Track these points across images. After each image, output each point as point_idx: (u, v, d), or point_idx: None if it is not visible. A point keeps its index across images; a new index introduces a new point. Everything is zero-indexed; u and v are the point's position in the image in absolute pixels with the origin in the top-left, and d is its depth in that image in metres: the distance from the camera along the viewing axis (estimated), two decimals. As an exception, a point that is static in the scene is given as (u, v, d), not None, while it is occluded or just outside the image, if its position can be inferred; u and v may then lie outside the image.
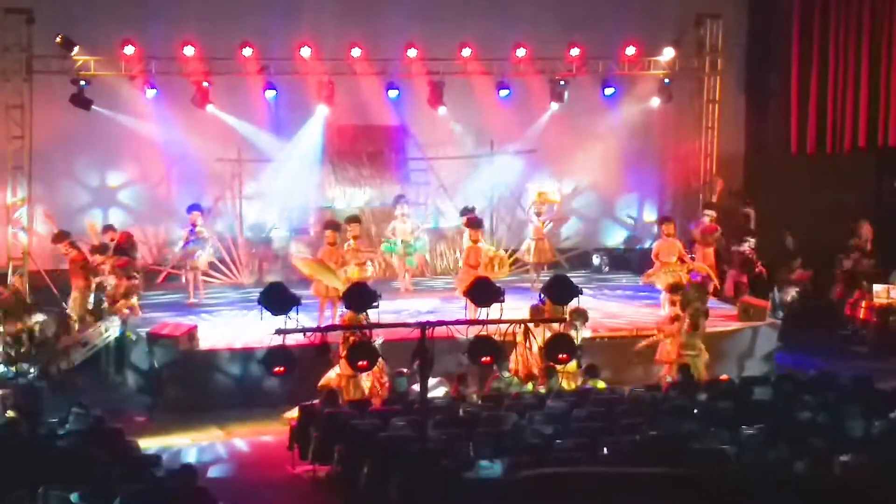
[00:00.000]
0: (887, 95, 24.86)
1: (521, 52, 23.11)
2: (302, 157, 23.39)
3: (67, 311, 19.96)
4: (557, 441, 14.07)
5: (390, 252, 22.21)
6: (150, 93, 21.94)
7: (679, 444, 13.85)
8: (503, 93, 23.34)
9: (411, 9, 23.29)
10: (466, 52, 22.89)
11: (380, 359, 14.83)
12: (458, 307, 18.74)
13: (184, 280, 21.79)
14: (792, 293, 22.91)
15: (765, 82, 26.30)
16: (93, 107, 21.53)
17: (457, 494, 12.91)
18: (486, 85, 23.56)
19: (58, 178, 23.02)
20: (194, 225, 21.41)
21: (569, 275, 17.96)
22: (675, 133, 25.53)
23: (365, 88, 23.33)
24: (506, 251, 22.97)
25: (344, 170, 23.85)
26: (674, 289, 18.97)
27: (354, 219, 21.18)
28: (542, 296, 14.64)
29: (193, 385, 18.52)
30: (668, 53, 24.09)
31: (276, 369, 13.48)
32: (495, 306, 13.85)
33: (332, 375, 17.10)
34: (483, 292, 14.02)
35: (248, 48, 21.92)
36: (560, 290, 14.22)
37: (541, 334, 16.07)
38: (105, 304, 19.81)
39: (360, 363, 13.67)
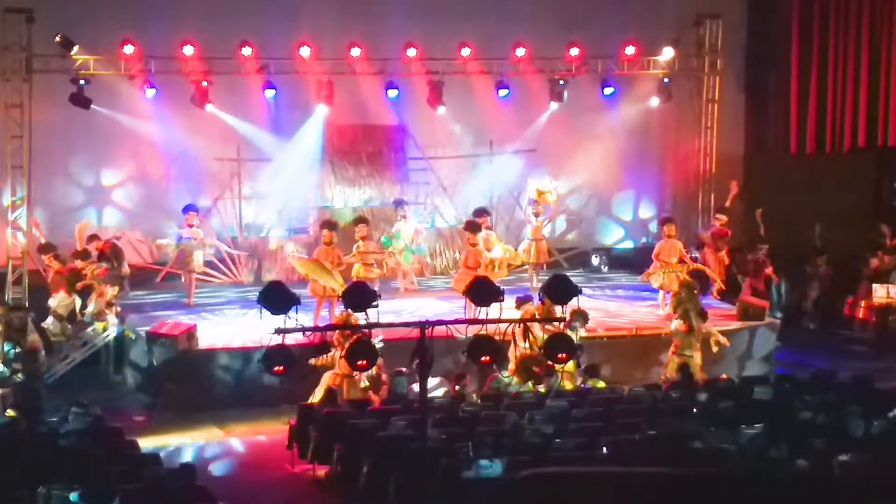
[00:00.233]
0: (887, 95, 24.84)
1: (520, 52, 23.12)
2: (301, 157, 23.38)
3: (47, 324, 19.77)
4: (557, 440, 14.08)
5: (387, 245, 22.07)
6: (150, 92, 21.93)
7: (679, 444, 13.87)
8: (502, 92, 23.34)
9: (411, 8, 23.29)
10: (466, 51, 22.89)
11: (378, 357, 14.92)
12: (458, 306, 18.81)
13: (183, 280, 21.74)
14: (815, 291, 22.92)
15: (764, 82, 26.31)
16: (92, 106, 21.52)
17: (456, 494, 12.92)
18: (486, 84, 23.56)
19: (57, 177, 23.00)
20: (191, 225, 21.35)
21: (568, 274, 17.96)
22: (675, 133, 25.55)
23: (364, 88, 23.33)
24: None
25: (343, 169, 23.84)
26: (701, 290, 19.06)
27: (362, 219, 21.15)
28: (542, 295, 14.61)
29: (193, 384, 18.51)
30: (668, 53, 24.10)
31: (276, 369, 13.46)
32: (494, 306, 13.83)
33: (329, 375, 17.10)
34: (482, 292, 14.01)
35: (247, 47, 21.92)
36: (559, 290, 14.19)
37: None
38: (90, 310, 19.73)
39: (359, 363, 13.65)
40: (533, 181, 23.29)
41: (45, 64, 21.39)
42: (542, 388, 16.93)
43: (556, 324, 15.63)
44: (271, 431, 17.14)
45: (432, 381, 16.60)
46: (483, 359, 13.75)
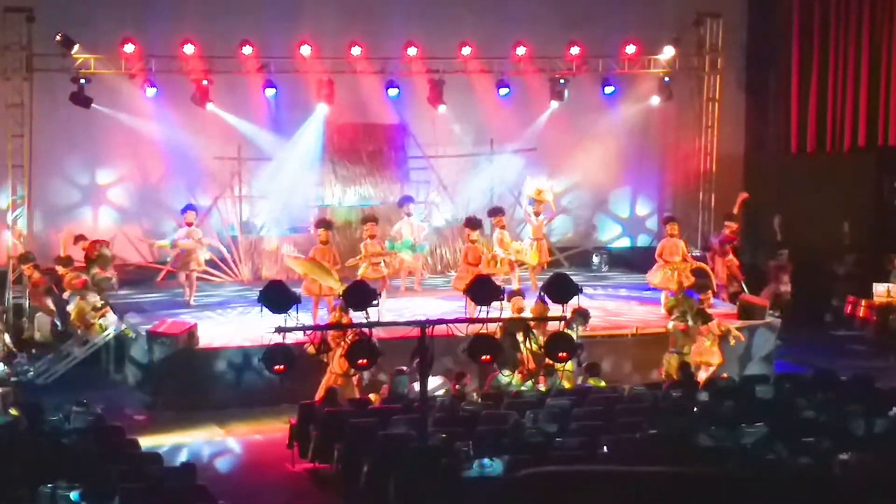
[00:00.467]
0: (887, 95, 24.83)
1: (521, 51, 23.13)
2: (302, 156, 23.38)
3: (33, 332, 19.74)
4: (557, 440, 14.08)
5: (392, 250, 22.06)
6: (150, 91, 21.93)
7: (679, 443, 13.87)
8: (503, 91, 23.34)
9: (411, 7, 23.30)
10: (466, 50, 22.90)
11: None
12: (459, 306, 18.78)
13: (184, 278, 21.67)
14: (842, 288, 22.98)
15: (765, 81, 26.30)
16: (93, 105, 21.52)
17: (457, 493, 12.92)
18: (486, 83, 23.57)
19: (57, 176, 22.99)
20: (189, 224, 21.32)
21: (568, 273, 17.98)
22: (675, 132, 25.56)
23: (365, 87, 23.34)
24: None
25: (344, 168, 23.82)
26: (701, 287, 19.03)
27: (371, 218, 21.07)
28: (542, 294, 14.61)
29: (193, 383, 18.50)
30: (669, 52, 24.11)
31: (277, 367, 13.46)
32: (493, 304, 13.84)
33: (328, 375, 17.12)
34: (483, 291, 14.01)
35: (248, 46, 21.93)
36: (560, 289, 14.19)
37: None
38: (72, 319, 19.73)
39: (360, 361, 13.65)
40: (531, 180, 23.28)
41: (45, 63, 21.40)
42: (542, 388, 16.95)
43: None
44: (272, 430, 17.13)
45: (434, 381, 16.59)
46: (483, 358, 13.77)
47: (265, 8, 22.93)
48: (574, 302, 14.31)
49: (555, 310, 14.53)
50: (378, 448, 14.08)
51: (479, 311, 14.22)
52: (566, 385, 17.13)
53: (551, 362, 16.41)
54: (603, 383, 17.25)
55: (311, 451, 15.38)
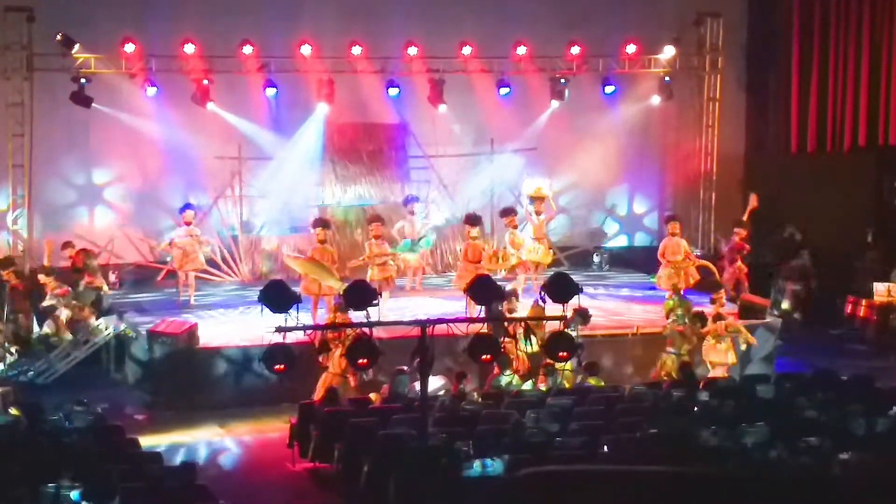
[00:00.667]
0: (887, 94, 24.83)
1: (521, 51, 23.14)
2: (302, 156, 23.39)
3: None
4: (558, 439, 14.08)
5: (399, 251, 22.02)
6: (151, 90, 21.94)
7: (679, 443, 13.87)
8: (503, 91, 23.35)
9: (412, 7, 23.31)
10: (467, 50, 22.91)
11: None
12: (460, 306, 18.79)
13: (184, 278, 21.64)
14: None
15: (765, 81, 26.30)
16: (93, 104, 21.53)
17: (457, 492, 12.91)
18: (487, 83, 23.58)
19: (57, 175, 23.00)
20: (188, 223, 21.30)
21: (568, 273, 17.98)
22: (676, 132, 25.58)
23: (365, 86, 23.35)
24: (504, 249, 23.02)
25: (344, 168, 23.83)
26: (714, 287, 19.02)
27: (377, 218, 21.05)
28: (543, 294, 14.59)
29: (193, 382, 18.51)
30: (669, 52, 24.12)
31: (277, 367, 13.46)
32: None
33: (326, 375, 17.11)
34: (483, 290, 14.00)
35: (248, 46, 21.95)
36: (560, 289, 14.19)
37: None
38: (44, 331, 19.70)
39: (360, 361, 13.64)
40: (531, 180, 23.28)
41: (46, 63, 21.42)
42: (542, 387, 16.94)
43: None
44: (272, 430, 17.13)
45: (435, 381, 16.59)
46: (483, 358, 13.77)
47: (265, 8, 22.94)
48: (574, 302, 14.33)
49: (555, 310, 14.48)
50: (378, 448, 14.08)
51: (480, 311, 14.24)
52: (566, 385, 17.14)
53: (551, 362, 16.41)
54: (602, 383, 17.26)
55: (312, 451, 15.37)
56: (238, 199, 23.54)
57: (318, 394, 16.85)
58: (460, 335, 15.50)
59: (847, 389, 16.38)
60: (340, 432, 14.83)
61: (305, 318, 17.61)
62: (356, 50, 22.57)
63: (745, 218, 22.99)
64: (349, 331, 16.00)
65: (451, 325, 13.53)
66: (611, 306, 21.50)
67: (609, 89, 23.88)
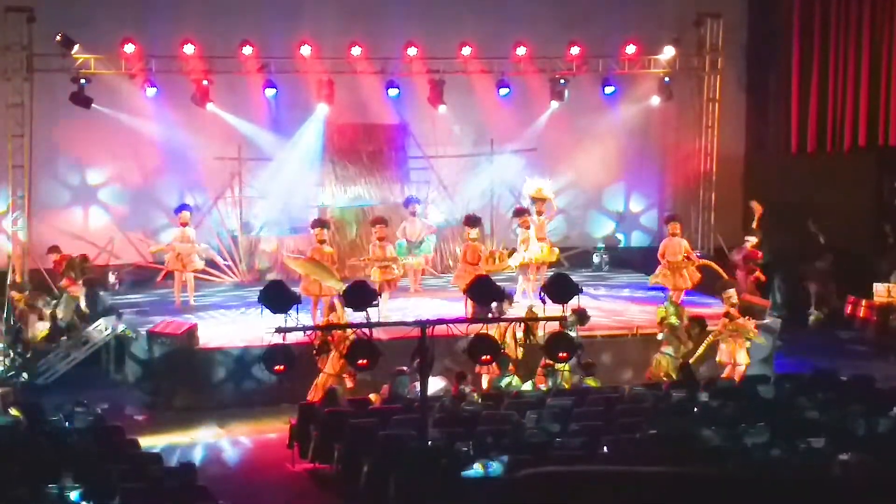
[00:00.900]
0: (887, 94, 24.82)
1: (521, 51, 23.13)
2: (302, 156, 23.38)
3: None
4: (558, 440, 14.08)
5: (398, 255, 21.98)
6: (151, 91, 21.93)
7: (679, 443, 13.87)
8: (503, 91, 23.35)
9: (411, 7, 23.31)
10: (466, 50, 22.91)
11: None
12: (459, 306, 18.78)
13: (184, 278, 21.59)
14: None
15: (765, 81, 26.30)
16: (93, 105, 21.51)
17: (457, 493, 12.91)
18: (487, 83, 23.57)
19: (57, 176, 22.99)
20: (184, 225, 21.26)
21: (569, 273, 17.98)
22: (676, 132, 25.57)
23: (365, 87, 23.34)
24: (505, 249, 23.03)
25: (344, 168, 23.81)
26: (724, 287, 18.99)
27: (381, 220, 21.01)
28: (543, 294, 14.59)
29: (193, 383, 18.52)
30: (669, 52, 24.11)
31: (277, 367, 13.47)
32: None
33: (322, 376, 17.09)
34: (483, 291, 14.01)
35: (248, 46, 21.94)
36: (560, 289, 14.20)
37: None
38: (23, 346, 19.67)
39: (360, 361, 13.64)
40: (531, 180, 23.27)
41: (45, 63, 21.41)
42: (543, 388, 16.95)
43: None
44: (272, 430, 17.14)
45: (437, 383, 16.59)
46: (483, 358, 13.78)
47: (265, 8, 22.94)
48: (574, 302, 14.33)
49: (555, 310, 14.48)
50: (378, 448, 14.08)
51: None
52: (565, 386, 17.13)
53: (552, 362, 16.41)
54: (598, 383, 17.24)
55: (312, 452, 15.37)
56: (238, 200, 23.52)
57: (313, 395, 16.85)
58: (460, 335, 15.54)
59: (847, 390, 16.38)
60: (340, 433, 14.83)
61: (305, 318, 17.61)
62: (356, 50, 22.56)
63: (754, 225, 22.97)
64: (344, 334, 16.07)
65: (450, 325, 13.54)
66: (611, 307, 21.50)
67: (609, 90, 23.88)
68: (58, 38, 21.07)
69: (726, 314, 18.39)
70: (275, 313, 13.36)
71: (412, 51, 22.79)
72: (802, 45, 25.69)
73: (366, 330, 13.68)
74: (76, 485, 12.07)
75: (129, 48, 21.61)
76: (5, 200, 21.87)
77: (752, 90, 26.40)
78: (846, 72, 25.26)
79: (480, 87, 23.76)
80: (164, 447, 16.00)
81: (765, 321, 20.28)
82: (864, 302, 22.53)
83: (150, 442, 15.87)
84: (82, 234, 22.92)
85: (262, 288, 13.97)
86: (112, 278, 22.45)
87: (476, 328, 14.07)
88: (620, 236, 26.24)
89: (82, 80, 21.36)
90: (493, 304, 16.40)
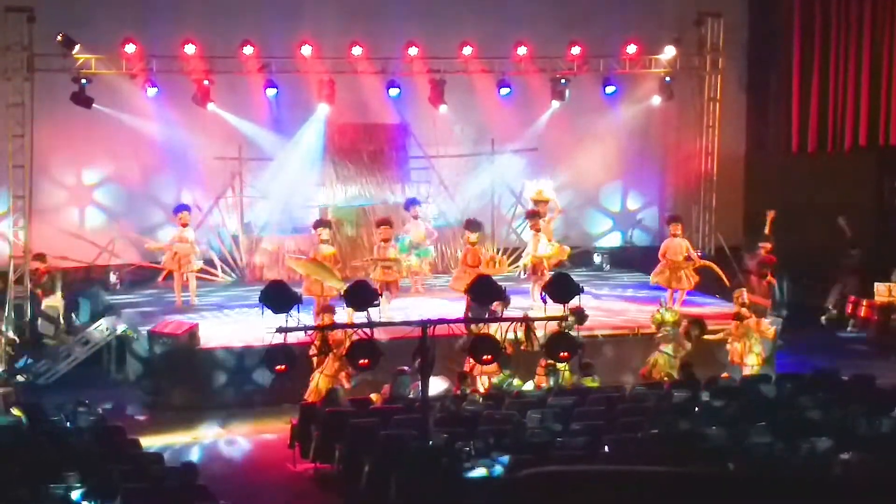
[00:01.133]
0: (888, 94, 24.84)
1: (521, 51, 23.12)
2: (303, 156, 23.37)
3: None
4: (559, 439, 14.08)
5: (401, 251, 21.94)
6: (151, 91, 21.92)
7: (680, 443, 13.87)
8: (504, 91, 23.34)
9: (412, 7, 23.31)
10: (467, 50, 22.90)
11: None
12: (460, 306, 18.77)
13: (185, 277, 21.57)
14: None
15: (766, 81, 26.30)
16: (94, 105, 21.50)
17: (458, 493, 12.91)
18: (487, 83, 23.56)
19: (58, 176, 22.99)
20: (184, 225, 21.25)
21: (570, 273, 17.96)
22: (676, 132, 25.58)
23: (366, 87, 23.34)
24: (505, 251, 23.04)
25: (345, 168, 23.80)
26: (739, 286, 18.97)
27: (386, 221, 20.99)
28: (544, 294, 14.58)
29: (194, 383, 18.53)
30: (669, 52, 24.11)
31: (278, 367, 13.47)
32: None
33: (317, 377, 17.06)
34: (484, 291, 14.00)
35: (248, 46, 21.93)
36: (561, 289, 14.20)
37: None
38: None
39: (360, 361, 13.64)
40: (531, 182, 23.29)
41: (46, 63, 21.39)
42: (545, 386, 16.94)
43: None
44: (273, 430, 17.14)
45: (439, 384, 16.59)
46: (484, 358, 13.77)
47: (266, 8, 22.94)
48: (573, 301, 14.33)
49: (555, 310, 14.48)
50: (379, 448, 14.08)
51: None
52: (565, 385, 17.13)
53: (552, 362, 16.40)
54: (598, 383, 17.22)
55: (313, 451, 15.37)
56: (239, 200, 23.53)
57: (310, 395, 16.86)
58: (461, 335, 15.54)
59: (848, 389, 16.38)
60: (341, 433, 14.83)
61: (306, 318, 17.59)
62: (357, 50, 22.56)
63: (767, 231, 22.99)
64: (338, 338, 16.10)
65: (451, 325, 13.54)
66: (612, 306, 21.51)
67: (610, 89, 23.86)
68: (59, 38, 21.06)
69: (736, 315, 18.33)
70: (276, 313, 13.36)
71: (413, 50, 22.79)
72: (803, 45, 25.69)
73: (366, 329, 13.67)
74: (76, 485, 12.08)
75: (130, 48, 21.61)
76: (6, 201, 21.86)
77: (753, 90, 26.41)
78: (847, 71, 25.27)
79: (481, 87, 23.75)
80: (166, 447, 16.01)
81: (766, 321, 20.29)
82: (864, 301, 22.54)
83: (152, 442, 15.88)
84: (83, 233, 22.92)
85: (262, 288, 13.95)
86: (113, 278, 22.46)
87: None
88: (618, 234, 26.22)
89: (83, 80, 21.34)
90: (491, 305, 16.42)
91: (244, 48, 21.93)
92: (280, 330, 13.12)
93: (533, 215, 21.48)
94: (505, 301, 16.90)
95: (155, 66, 21.87)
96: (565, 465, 11.78)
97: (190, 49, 21.69)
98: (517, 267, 22.64)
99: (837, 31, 25.36)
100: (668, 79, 24.30)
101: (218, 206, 23.49)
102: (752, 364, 18.03)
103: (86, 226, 23.07)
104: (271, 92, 22.44)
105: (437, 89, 23.05)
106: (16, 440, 13.93)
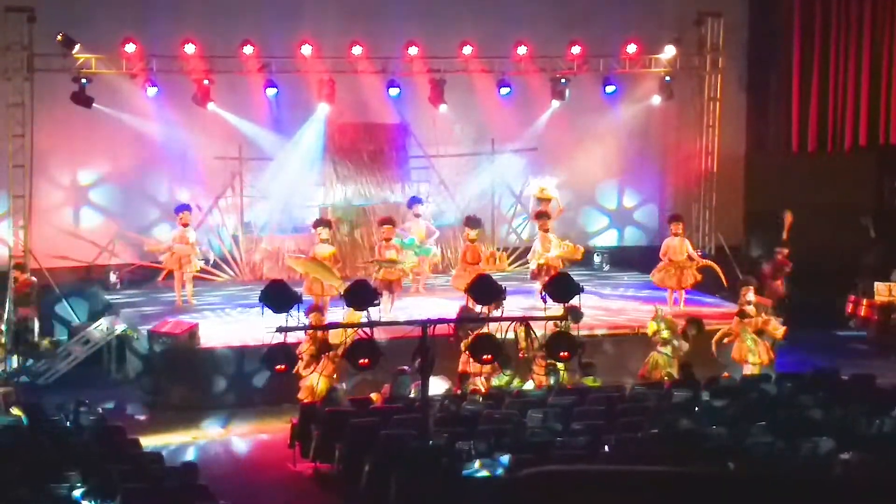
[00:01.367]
0: (888, 93, 24.85)
1: (522, 51, 23.12)
2: (303, 156, 23.36)
3: None
4: (559, 439, 14.08)
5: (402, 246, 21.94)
6: (152, 91, 21.91)
7: (681, 443, 13.87)
8: (504, 91, 23.34)
9: (412, 7, 23.29)
10: (467, 50, 22.90)
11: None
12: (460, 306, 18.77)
13: (184, 277, 21.55)
14: None
15: (766, 80, 26.29)
16: (94, 105, 21.50)
17: (458, 493, 12.91)
18: (487, 83, 23.56)
19: (58, 176, 22.98)
20: (185, 225, 21.24)
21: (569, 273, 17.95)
22: (676, 131, 25.56)
23: (366, 86, 23.33)
24: (505, 250, 23.04)
25: (345, 168, 23.79)
26: (745, 283, 18.96)
27: (388, 220, 21.01)
28: (544, 294, 14.58)
29: (194, 383, 18.53)
30: (669, 51, 24.11)
31: (278, 367, 13.47)
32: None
33: (314, 379, 17.05)
34: (484, 290, 14.00)
35: (249, 46, 21.93)
36: (561, 288, 14.20)
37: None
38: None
39: (361, 361, 13.64)
40: (534, 180, 23.28)
41: (46, 63, 21.39)
42: (545, 385, 16.94)
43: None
44: (273, 430, 17.15)
45: (440, 384, 16.59)
46: (484, 357, 13.77)
47: (266, 8, 22.92)
48: (574, 301, 14.33)
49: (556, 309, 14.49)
50: (379, 448, 14.08)
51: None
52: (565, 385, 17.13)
53: (553, 361, 16.40)
54: (599, 383, 17.21)
55: (313, 451, 15.38)
56: (239, 200, 23.52)
57: (303, 394, 16.86)
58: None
59: (848, 389, 16.38)
60: (341, 432, 14.84)
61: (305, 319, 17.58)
62: (357, 50, 22.56)
63: (784, 237, 22.98)
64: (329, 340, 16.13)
65: (451, 325, 13.54)
66: (612, 305, 21.51)
67: (610, 89, 23.86)
68: (59, 38, 21.06)
69: (739, 312, 18.29)
70: (276, 313, 13.36)
71: (413, 50, 22.79)
72: (803, 45, 25.68)
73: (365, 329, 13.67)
74: (76, 485, 12.08)
75: (130, 48, 21.60)
76: (6, 201, 21.85)
77: (753, 89, 26.39)
78: (847, 71, 25.27)
79: (481, 87, 23.75)
80: (166, 447, 16.02)
81: (775, 320, 20.28)
82: (864, 301, 22.54)
83: (152, 441, 15.89)
84: (83, 233, 22.91)
85: (263, 288, 13.95)
86: (113, 278, 22.46)
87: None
88: (615, 232, 26.19)
89: (83, 80, 21.33)
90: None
91: (244, 48, 21.93)
92: (280, 329, 13.12)
93: (541, 215, 21.45)
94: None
95: (155, 66, 21.87)
96: (565, 465, 11.78)
97: (190, 49, 21.69)
98: (524, 265, 22.67)
99: (837, 31, 25.35)
100: (668, 78, 24.29)
101: (218, 205, 23.48)
102: (753, 363, 17.99)
103: (86, 226, 23.02)
104: (271, 92, 22.44)
105: (437, 89, 23.05)
106: (16, 440, 13.93)
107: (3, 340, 19.08)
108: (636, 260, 24.50)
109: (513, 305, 17.28)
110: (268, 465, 15.97)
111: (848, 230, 24.28)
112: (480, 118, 24.17)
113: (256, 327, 16.33)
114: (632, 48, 23.81)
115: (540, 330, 14.93)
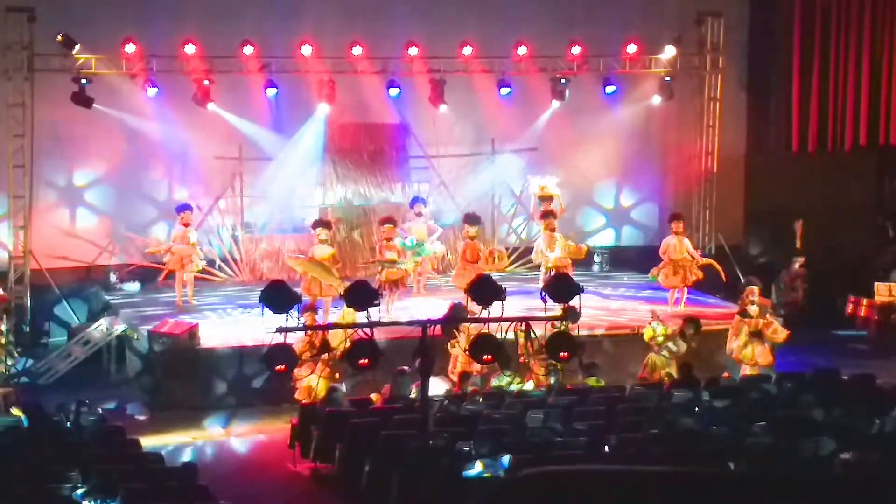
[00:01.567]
0: (888, 93, 24.84)
1: (522, 51, 23.11)
2: (303, 156, 23.37)
3: None
4: (559, 439, 14.08)
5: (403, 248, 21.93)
6: (152, 91, 21.91)
7: (681, 442, 13.87)
8: (504, 91, 23.33)
9: (412, 7, 23.29)
10: (467, 50, 22.89)
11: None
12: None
13: (185, 277, 21.54)
14: None
15: (766, 80, 26.28)
16: (94, 105, 21.50)
17: (458, 493, 12.91)
18: (487, 83, 23.55)
19: (58, 176, 22.98)
20: (186, 225, 21.23)
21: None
22: (677, 131, 25.55)
23: (366, 86, 23.33)
24: (506, 249, 23.02)
25: (345, 168, 23.80)
26: (750, 283, 18.95)
27: (389, 220, 21.01)
28: (544, 294, 14.58)
29: (194, 383, 18.53)
30: (670, 51, 24.10)
31: (278, 367, 13.47)
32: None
33: (311, 380, 17.04)
34: (484, 290, 14.00)
35: (249, 46, 21.93)
36: (561, 289, 14.20)
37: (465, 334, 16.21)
38: None
39: (360, 361, 13.63)
40: (535, 179, 23.27)
41: (46, 63, 21.39)
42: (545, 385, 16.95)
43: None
44: (273, 430, 17.15)
45: (440, 385, 16.59)
46: (485, 357, 13.77)
47: (266, 8, 22.92)
48: (574, 301, 14.33)
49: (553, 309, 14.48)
50: (379, 448, 14.08)
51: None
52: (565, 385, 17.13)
53: (553, 361, 16.40)
54: (602, 383, 17.21)
55: (313, 451, 15.38)
56: (239, 200, 23.52)
57: (300, 395, 16.86)
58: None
59: (848, 389, 16.38)
60: (341, 433, 14.84)
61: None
62: (357, 50, 22.55)
63: (798, 245, 22.94)
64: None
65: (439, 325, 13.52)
66: (612, 305, 21.51)
67: (610, 89, 23.85)
68: (59, 38, 21.05)
69: (741, 311, 18.25)
70: (276, 313, 13.36)
71: (413, 50, 22.79)
72: (803, 45, 25.67)
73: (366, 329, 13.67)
74: (76, 485, 12.09)
75: (130, 48, 21.60)
76: (5, 201, 21.85)
77: (753, 89, 26.38)
78: (847, 71, 25.26)
79: (481, 87, 23.74)
80: (165, 447, 16.02)
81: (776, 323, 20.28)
82: (864, 301, 22.54)
83: (152, 441, 15.89)
84: (83, 233, 22.90)
85: (263, 288, 13.95)
86: (113, 278, 22.46)
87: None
88: (612, 231, 26.18)
89: (83, 80, 21.33)
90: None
91: (244, 48, 21.92)
92: (280, 330, 13.11)
93: (547, 215, 21.44)
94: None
95: (155, 66, 21.87)
96: (565, 465, 11.77)
97: (190, 49, 21.69)
98: (523, 265, 22.64)
99: (837, 31, 25.34)
100: (668, 78, 24.29)
101: (217, 205, 23.47)
102: (746, 361, 17.96)
103: (85, 226, 23.02)
104: (271, 92, 22.44)
105: (437, 89, 23.04)
106: (16, 440, 13.93)
107: (3, 341, 19.07)
108: (634, 260, 24.50)
109: (513, 306, 17.28)
110: (268, 466, 15.98)
111: (848, 230, 24.25)
112: (480, 118, 24.18)
113: (256, 327, 16.33)
114: (632, 48, 23.81)
115: (540, 330, 14.93)
